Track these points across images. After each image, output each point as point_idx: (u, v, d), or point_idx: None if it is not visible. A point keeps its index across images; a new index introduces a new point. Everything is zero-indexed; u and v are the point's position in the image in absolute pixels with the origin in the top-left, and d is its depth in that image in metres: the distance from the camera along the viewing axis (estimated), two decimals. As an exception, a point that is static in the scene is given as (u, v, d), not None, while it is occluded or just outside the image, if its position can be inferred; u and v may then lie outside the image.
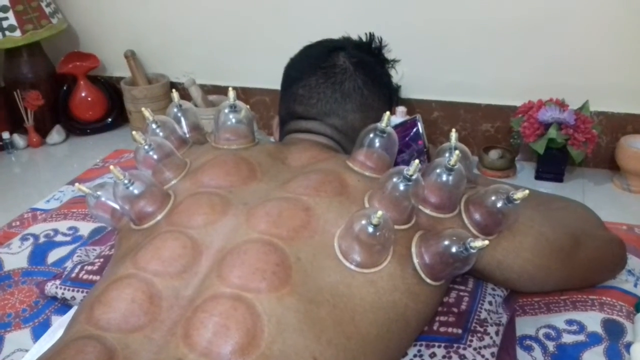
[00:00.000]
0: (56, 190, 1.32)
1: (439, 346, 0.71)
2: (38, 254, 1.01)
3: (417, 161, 0.64)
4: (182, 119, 0.90)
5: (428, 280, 0.66)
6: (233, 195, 0.70)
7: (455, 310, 0.74)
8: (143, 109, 0.84)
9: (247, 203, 0.69)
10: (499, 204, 0.69)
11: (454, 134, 0.77)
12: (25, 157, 1.91)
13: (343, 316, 0.60)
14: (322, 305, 0.59)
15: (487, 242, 0.62)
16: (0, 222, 1.35)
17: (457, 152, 0.68)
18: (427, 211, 0.70)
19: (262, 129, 1.92)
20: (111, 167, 0.69)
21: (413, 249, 0.66)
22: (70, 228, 1.08)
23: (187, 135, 0.89)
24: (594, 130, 1.42)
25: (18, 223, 1.18)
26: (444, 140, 1.69)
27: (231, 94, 0.80)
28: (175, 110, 0.90)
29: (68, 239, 1.05)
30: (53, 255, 1.01)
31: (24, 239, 1.05)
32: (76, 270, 0.87)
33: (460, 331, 0.72)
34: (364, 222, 0.61)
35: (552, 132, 1.41)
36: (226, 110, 0.80)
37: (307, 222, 0.65)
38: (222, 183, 0.72)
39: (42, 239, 1.05)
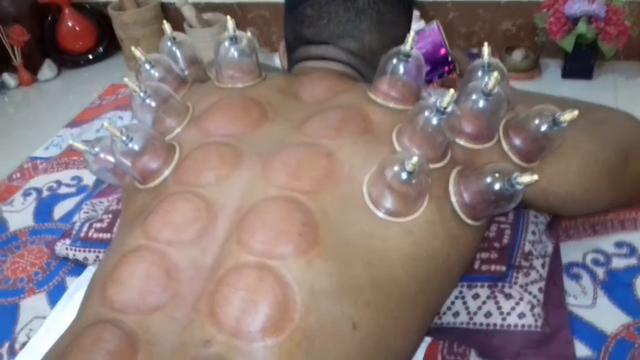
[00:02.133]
0: (54, 135, 1.25)
1: (482, 286, 0.65)
2: (43, 209, 0.95)
3: (451, 91, 0.56)
4: (178, 54, 0.80)
5: (469, 221, 0.59)
6: (244, 144, 0.62)
7: (497, 245, 0.68)
8: (133, 48, 0.74)
9: (260, 151, 0.61)
10: (544, 128, 0.61)
11: (486, 49, 0.67)
12: (18, 97, 1.81)
13: (380, 273, 0.54)
14: (356, 264, 0.53)
15: (535, 177, 0.55)
16: (1, 171, 1.30)
17: (495, 74, 0.59)
18: (462, 142, 0.62)
19: (263, 47, 1.79)
20: (105, 124, 0.61)
21: (451, 188, 0.59)
22: (73, 178, 1.02)
23: (186, 72, 0.80)
24: (627, 22, 1.30)
25: (19, 175, 1.12)
26: (462, 44, 1.57)
27: (230, 24, 0.70)
28: (169, 44, 0.80)
29: (72, 190, 0.99)
30: (59, 210, 0.95)
31: (26, 194, 0.99)
32: (84, 228, 0.81)
33: (504, 268, 0.66)
34: (396, 168, 0.54)
35: (582, 27, 1.28)
36: (226, 44, 0.71)
37: (331, 170, 0.57)
38: (230, 130, 0.64)
39: (45, 193, 0.99)
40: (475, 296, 0.65)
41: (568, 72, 1.44)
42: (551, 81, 1.43)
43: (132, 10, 1.71)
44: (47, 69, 1.84)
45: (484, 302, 0.64)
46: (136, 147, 0.62)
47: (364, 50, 0.74)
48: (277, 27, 1.75)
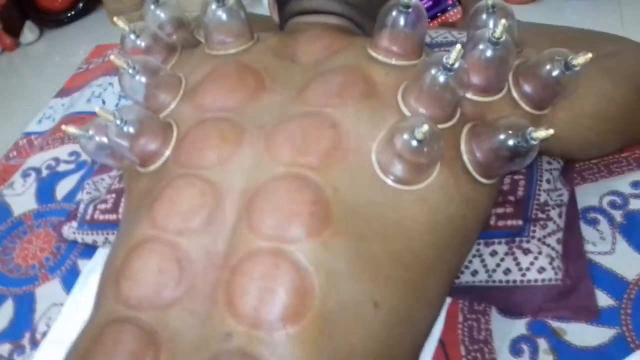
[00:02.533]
0: (45, 106, 1.21)
1: (499, 242, 0.64)
2: (45, 190, 0.93)
3: (458, 46, 0.52)
4: (163, 16, 0.76)
5: (483, 181, 0.57)
6: (244, 117, 0.60)
7: (511, 198, 0.66)
8: (115, 18, 0.69)
9: (262, 125, 0.58)
10: (555, 73, 0.58)
11: (489, -10, 0.63)
12: (3, 64, 1.76)
13: (397, 246, 0.53)
14: (371, 239, 0.52)
15: (551, 131, 0.52)
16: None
17: (502, 21, 0.55)
18: (471, 96, 0.59)
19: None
20: (97, 109, 0.58)
21: (463, 147, 0.57)
22: (71, 154, 0.99)
23: (173, 37, 0.75)
24: None
25: (15, 153, 1.09)
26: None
27: (214, -16, 0.65)
28: (153, 7, 0.76)
29: (72, 166, 0.97)
30: (61, 189, 0.93)
31: (25, 174, 0.97)
32: (90, 211, 0.80)
33: (520, 222, 0.64)
34: (406, 136, 0.51)
35: (584, -58, 1.21)
36: (213, 7, 0.66)
37: (338, 141, 0.55)
38: (227, 103, 0.61)
39: (44, 172, 0.97)
40: (493, 253, 0.64)
41: (571, -8, 1.37)
42: (554, 2, 1.37)
43: (109, -39, 1.63)
44: (29, 32, 1.78)
45: (502, 259, 0.63)
46: (132, 130, 0.60)
47: None
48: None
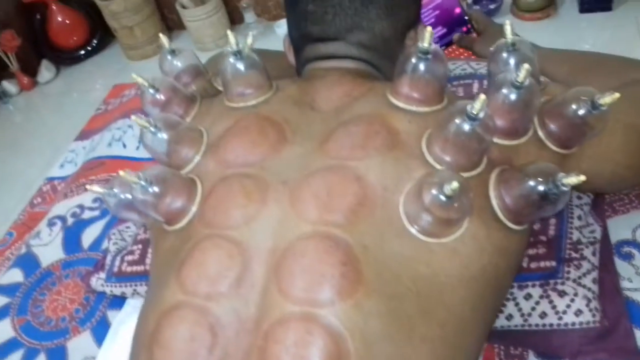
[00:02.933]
0: (66, 150, 1.22)
1: (533, 285, 0.63)
2: (71, 239, 0.94)
3: (482, 97, 0.51)
4: (180, 66, 0.76)
5: (514, 227, 0.56)
6: (266, 172, 0.59)
7: (543, 238, 0.65)
8: (134, 75, 0.70)
9: (285, 180, 0.58)
10: (582, 112, 0.57)
11: (508, 27, 0.62)
12: (22, 103, 1.78)
13: (430, 302, 0.52)
14: (404, 297, 0.51)
15: (582, 177, 0.51)
16: (19, 191, 1.29)
17: (526, 66, 0.54)
18: (496, 139, 0.58)
19: (261, 16, 1.72)
20: (121, 173, 0.58)
21: (491, 193, 0.56)
22: (95, 200, 1.00)
23: (193, 87, 0.76)
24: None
25: (40, 200, 1.11)
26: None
27: (232, 39, 0.65)
28: (169, 57, 0.76)
29: (96, 213, 0.98)
30: (87, 237, 0.94)
31: (51, 224, 0.98)
32: (117, 263, 0.80)
33: (554, 263, 0.63)
34: (434, 191, 0.50)
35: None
36: (231, 60, 0.66)
37: (363, 196, 0.54)
38: (250, 158, 0.61)
39: (70, 221, 0.97)
40: (528, 296, 0.62)
41: (585, 6, 1.35)
42: (568, 17, 1.36)
43: (121, -1, 1.65)
44: (45, 70, 1.80)
45: (537, 302, 0.62)
46: (157, 190, 0.60)
47: (376, 41, 0.69)
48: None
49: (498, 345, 0.64)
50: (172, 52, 0.76)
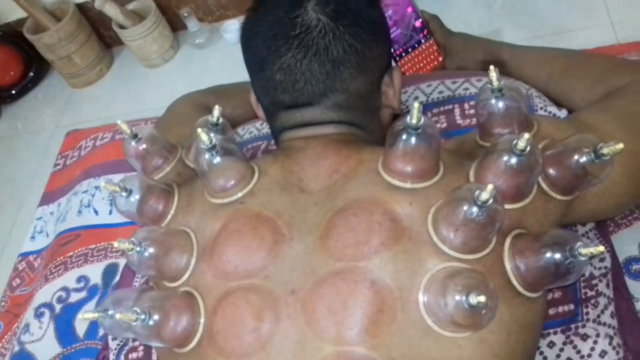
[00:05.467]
0: (33, 218, 1.15)
1: (555, 332, 0.62)
2: (64, 329, 0.90)
3: (490, 187, 0.48)
4: (147, 148, 0.71)
5: (534, 295, 0.55)
6: (271, 281, 0.56)
7: (557, 281, 0.64)
8: (103, 184, 0.64)
9: (293, 290, 0.55)
10: (584, 161, 0.55)
11: (494, 74, 0.58)
12: (-33, 155, 1.66)
13: (466, 398, 0.50)
14: (440, 401, 0.50)
15: (601, 248, 0.49)
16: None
17: (526, 135, 0.51)
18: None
19: (204, 20, 1.62)
20: (118, 315, 0.54)
21: (507, 266, 0.54)
22: (78, 279, 0.95)
23: (165, 170, 0.71)
24: None
25: (18, 281, 1.05)
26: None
27: (204, 136, 0.60)
28: (134, 144, 0.70)
29: (83, 294, 0.93)
30: (80, 324, 0.90)
31: (38, 314, 0.93)
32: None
33: (572, 307, 0.63)
34: (457, 298, 0.48)
35: None
36: (206, 156, 0.61)
37: (381, 302, 0.52)
38: (249, 267, 0.57)
39: (57, 307, 0.93)
40: (551, 344, 0.62)
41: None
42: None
43: (52, 29, 1.51)
44: (-14, 115, 1.68)
45: (561, 349, 0.62)
46: (157, 318, 0.56)
47: (353, 100, 0.65)
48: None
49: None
50: (135, 136, 0.71)
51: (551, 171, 0.57)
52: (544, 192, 0.57)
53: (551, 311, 0.63)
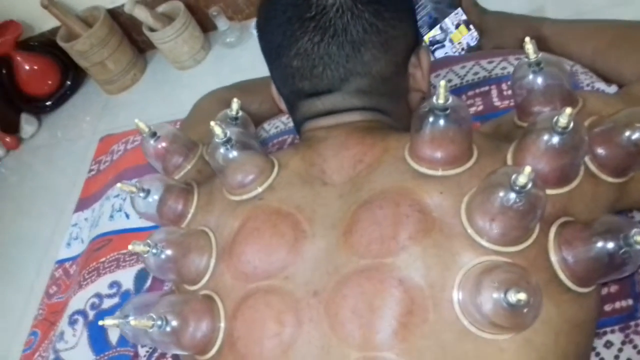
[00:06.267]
0: (69, 225, 1.16)
1: (612, 331, 0.56)
2: (97, 337, 0.88)
3: (528, 168, 0.43)
4: (167, 146, 0.69)
5: (585, 290, 0.49)
6: (292, 282, 0.52)
7: (612, 273, 0.57)
8: (119, 185, 0.62)
9: (316, 291, 0.51)
10: (636, 136, 0.49)
11: (530, 46, 0.52)
12: (12, 163, 1.70)
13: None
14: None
15: None
16: (31, 268, 1.24)
17: (567, 110, 0.45)
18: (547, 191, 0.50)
19: (233, 19, 1.60)
20: (132, 322, 0.52)
21: (553, 259, 0.48)
22: (111, 285, 0.93)
23: (187, 168, 0.69)
24: None
25: (55, 288, 1.05)
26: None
27: (217, 129, 0.56)
28: (152, 142, 0.69)
29: (116, 300, 0.91)
30: (113, 331, 0.88)
31: (72, 322, 0.92)
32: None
33: (630, 302, 0.56)
34: (495, 295, 0.43)
35: None
36: (222, 150, 0.58)
37: (410, 301, 0.47)
38: (268, 267, 0.54)
39: (90, 314, 0.91)
40: (608, 344, 0.56)
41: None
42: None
43: (84, 35, 1.53)
44: (27, 125, 1.71)
45: (620, 349, 0.55)
46: (174, 325, 0.53)
47: (377, 83, 0.60)
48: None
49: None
50: (154, 134, 0.69)
51: (600, 150, 0.51)
52: (592, 175, 0.51)
53: (607, 307, 0.56)
